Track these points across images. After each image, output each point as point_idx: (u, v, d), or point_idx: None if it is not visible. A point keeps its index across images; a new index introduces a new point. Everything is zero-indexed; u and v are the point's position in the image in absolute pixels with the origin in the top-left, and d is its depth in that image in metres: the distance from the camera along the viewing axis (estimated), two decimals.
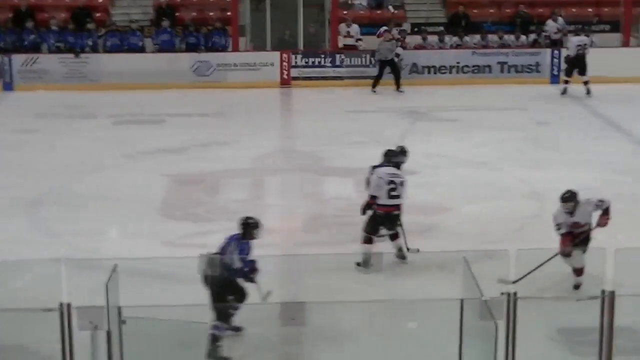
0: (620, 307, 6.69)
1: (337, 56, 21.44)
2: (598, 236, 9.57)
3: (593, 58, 19.82)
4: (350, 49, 21.71)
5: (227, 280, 8.44)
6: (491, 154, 15.17)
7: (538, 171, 14.14)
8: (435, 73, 21.56)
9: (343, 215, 12.00)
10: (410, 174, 13.80)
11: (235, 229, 9.19)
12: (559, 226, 9.39)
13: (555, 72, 21.34)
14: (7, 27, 21.60)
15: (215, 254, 8.63)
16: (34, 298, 7.98)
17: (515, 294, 6.63)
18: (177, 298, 8.72)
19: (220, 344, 8.11)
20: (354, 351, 8.11)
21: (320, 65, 21.48)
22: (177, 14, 22.44)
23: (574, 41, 20.15)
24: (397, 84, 20.54)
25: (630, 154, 15.33)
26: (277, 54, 21.57)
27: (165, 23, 21.65)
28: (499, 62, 21.55)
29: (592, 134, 16.65)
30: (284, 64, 21.39)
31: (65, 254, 10.30)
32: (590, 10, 23.53)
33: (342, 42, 21.95)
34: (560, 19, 22.11)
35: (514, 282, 8.31)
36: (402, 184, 10.33)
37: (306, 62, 21.48)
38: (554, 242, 10.68)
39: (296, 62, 21.45)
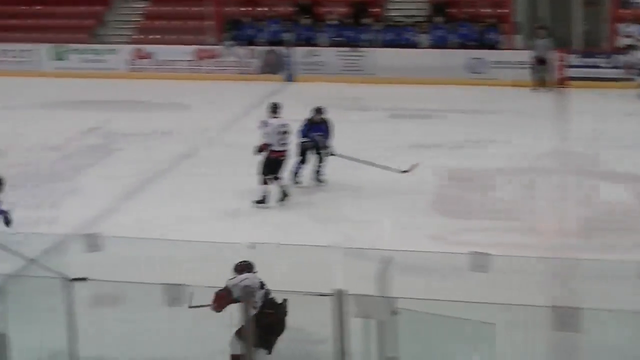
0: None
1: (615, 56, 20.74)
2: None
3: None
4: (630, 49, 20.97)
5: None
6: None
7: None
8: None
9: (617, 221, 11.65)
10: None
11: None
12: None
13: None
14: (290, 21, 22.52)
15: None
16: (307, 282, 8.28)
17: None
18: (446, 293, 8.72)
19: None
20: None
21: (596, 66, 20.83)
22: (450, 10, 22.52)
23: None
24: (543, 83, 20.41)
25: None
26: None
27: (439, 19, 21.78)
28: None
29: None
30: (559, 63, 20.93)
31: (339, 242, 10.60)
32: None
33: (621, 42, 21.24)
34: None
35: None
36: (289, 132, 12.45)
37: (582, 62, 20.93)
38: None
39: (571, 62, 20.94)
